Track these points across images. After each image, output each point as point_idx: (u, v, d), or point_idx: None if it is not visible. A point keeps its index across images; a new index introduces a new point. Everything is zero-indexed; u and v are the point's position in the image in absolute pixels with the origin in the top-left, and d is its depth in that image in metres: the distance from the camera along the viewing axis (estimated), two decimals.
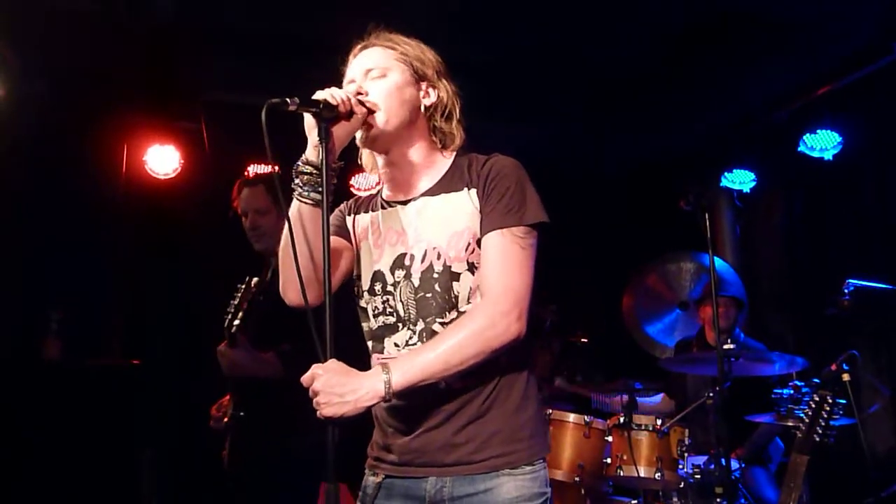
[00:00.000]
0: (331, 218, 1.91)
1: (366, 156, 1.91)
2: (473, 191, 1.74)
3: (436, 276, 1.71)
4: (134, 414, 4.52)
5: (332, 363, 1.56)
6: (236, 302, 2.79)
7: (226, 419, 2.96)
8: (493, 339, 1.61)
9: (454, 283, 1.70)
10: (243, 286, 2.81)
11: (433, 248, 1.73)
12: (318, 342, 1.54)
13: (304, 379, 1.56)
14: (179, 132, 4.78)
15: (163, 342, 4.89)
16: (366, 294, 1.81)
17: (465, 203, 1.74)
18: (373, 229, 1.84)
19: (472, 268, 1.70)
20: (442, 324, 1.70)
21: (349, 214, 1.93)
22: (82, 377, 4.28)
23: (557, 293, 5.69)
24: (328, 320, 1.53)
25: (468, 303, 1.70)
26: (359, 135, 1.77)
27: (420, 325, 1.72)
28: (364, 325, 1.84)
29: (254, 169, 4.99)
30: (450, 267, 1.70)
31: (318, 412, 1.54)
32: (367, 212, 1.89)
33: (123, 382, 4.46)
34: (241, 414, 2.90)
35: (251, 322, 2.82)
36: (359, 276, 1.84)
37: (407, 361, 1.61)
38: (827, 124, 4.50)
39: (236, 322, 2.76)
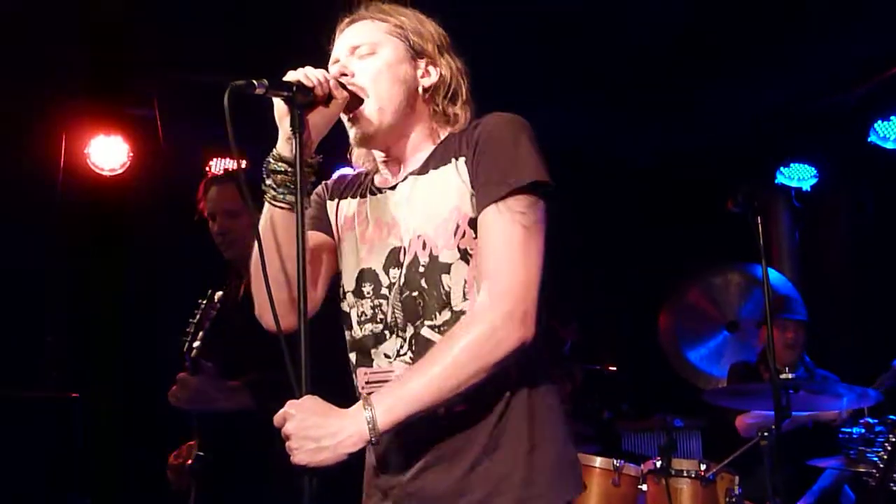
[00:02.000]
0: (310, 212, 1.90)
1: (356, 149, 1.90)
2: (462, 160, 1.71)
3: (421, 269, 1.69)
4: (72, 457, 4.50)
5: (308, 400, 1.53)
6: (195, 320, 2.79)
7: (189, 462, 2.95)
8: (495, 349, 1.57)
9: (444, 277, 1.67)
10: (204, 301, 2.81)
11: (417, 236, 1.71)
12: (293, 374, 1.52)
13: (276, 419, 1.54)
14: (128, 120, 4.78)
15: (108, 371, 4.88)
16: (350, 296, 1.80)
17: (452, 177, 1.71)
18: (359, 219, 1.83)
19: (465, 255, 1.67)
20: (432, 327, 1.67)
21: (330, 199, 1.91)
22: (11, 412, 4.26)
23: (579, 309, 5.68)
24: (304, 347, 1.52)
25: (464, 299, 1.66)
26: (352, 133, 1.76)
27: (409, 331, 1.70)
28: (347, 334, 1.82)
29: (218, 163, 5.00)
30: (437, 257, 1.68)
31: (291, 458, 1.52)
32: (353, 197, 1.88)
33: (60, 419, 4.45)
34: (204, 455, 2.88)
35: (218, 345, 2.82)
36: (341, 275, 1.83)
37: (391, 394, 1.58)
38: None
39: (196, 345, 2.76)
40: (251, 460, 2.76)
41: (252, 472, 2.78)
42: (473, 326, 1.59)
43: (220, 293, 2.82)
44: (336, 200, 1.90)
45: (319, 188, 1.94)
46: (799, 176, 5.19)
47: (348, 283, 1.80)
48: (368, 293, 1.76)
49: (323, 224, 1.88)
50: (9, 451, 4.11)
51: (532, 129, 1.71)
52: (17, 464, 4.13)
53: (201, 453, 2.90)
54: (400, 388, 1.58)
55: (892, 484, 3.01)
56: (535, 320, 1.61)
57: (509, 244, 1.62)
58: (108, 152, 4.69)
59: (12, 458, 4.12)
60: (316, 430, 1.51)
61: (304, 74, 1.65)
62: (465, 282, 1.67)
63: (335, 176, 1.98)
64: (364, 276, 1.77)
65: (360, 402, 1.56)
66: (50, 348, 4.75)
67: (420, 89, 1.80)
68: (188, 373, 2.78)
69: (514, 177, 1.63)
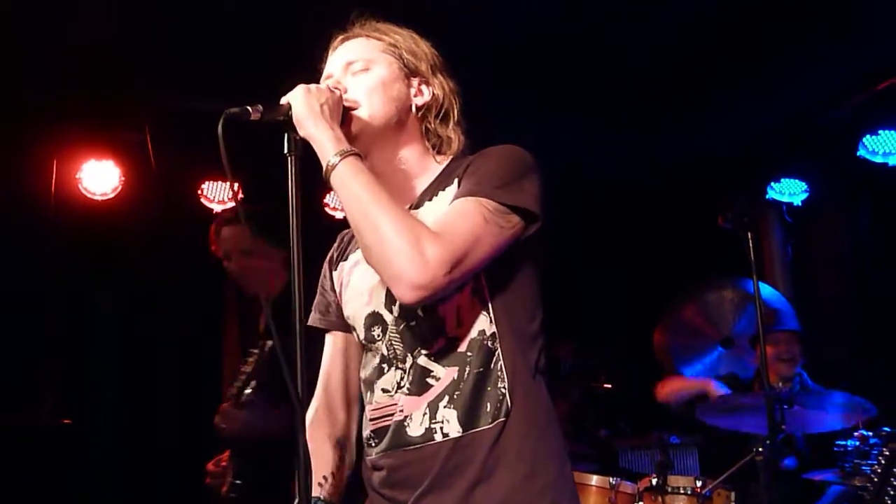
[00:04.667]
0: (319, 306, 1.97)
1: None
2: (456, 181, 1.74)
3: None
4: (66, 486, 4.51)
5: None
6: (249, 370, 2.90)
7: (224, 489, 3.04)
8: (396, 258, 1.55)
9: (439, 304, 1.69)
10: (257, 351, 2.91)
11: None
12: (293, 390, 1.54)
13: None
14: (120, 144, 4.82)
15: (103, 397, 4.89)
16: (366, 343, 1.83)
17: (447, 205, 1.72)
18: (359, 269, 1.85)
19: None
20: (429, 356, 1.70)
21: (334, 269, 1.95)
22: (4, 439, 4.27)
23: (576, 329, 5.71)
24: (299, 365, 1.55)
25: (458, 325, 1.69)
26: None
27: (409, 362, 1.72)
28: (367, 376, 1.85)
29: (210, 187, 5.03)
30: None
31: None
32: (353, 252, 1.90)
33: (53, 447, 4.46)
34: (238, 482, 3.00)
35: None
36: (354, 328, 1.86)
37: (364, 173, 1.62)
38: (890, 123, 4.56)
39: (247, 391, 2.88)
40: (285, 484, 2.83)
41: (286, 496, 2.85)
42: (418, 234, 1.57)
43: (269, 342, 2.90)
44: (339, 267, 1.93)
45: (325, 268, 1.99)
46: (790, 191, 5.24)
47: (360, 331, 1.83)
48: (378, 336, 1.78)
49: (335, 316, 1.93)
50: (2, 478, 4.12)
51: (535, 163, 1.73)
52: (11, 491, 4.14)
53: (237, 481, 3.01)
54: (369, 178, 1.62)
55: (887, 498, 3.03)
56: (436, 292, 1.58)
57: (461, 218, 1.62)
58: (99, 177, 4.71)
59: (6, 485, 4.13)
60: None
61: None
62: (459, 307, 1.69)
63: (337, 240, 2.02)
64: (371, 320, 1.79)
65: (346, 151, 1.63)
66: (44, 374, 4.76)
67: (413, 108, 1.83)
68: (233, 404, 2.88)
69: (503, 192, 1.64)
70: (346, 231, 1.95)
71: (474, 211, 1.63)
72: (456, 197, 1.68)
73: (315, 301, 1.99)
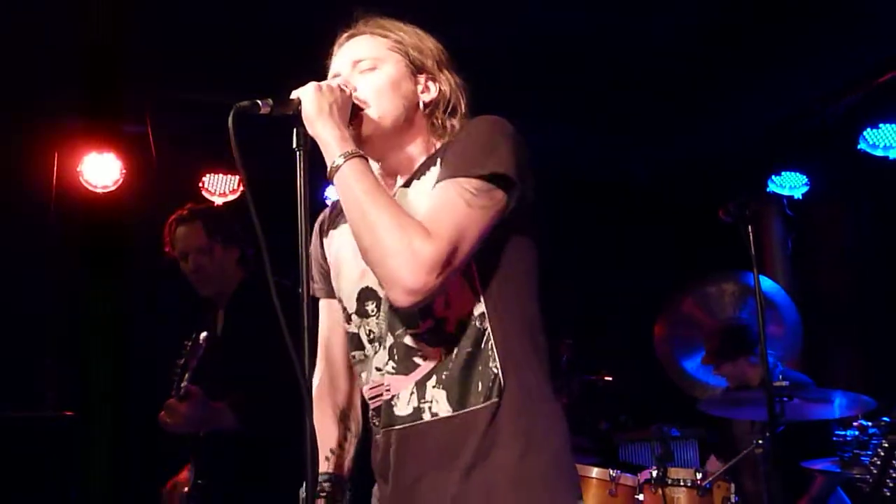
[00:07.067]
0: (315, 274, 1.97)
1: None
2: (439, 160, 1.76)
3: None
4: (68, 478, 4.53)
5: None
6: (182, 362, 2.91)
7: (186, 489, 3.05)
8: (393, 258, 1.58)
9: None
10: (190, 343, 2.92)
11: None
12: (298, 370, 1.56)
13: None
14: (121, 137, 4.83)
15: (104, 390, 4.90)
16: (354, 317, 1.83)
17: (432, 183, 1.72)
18: (352, 242, 1.83)
19: None
20: (414, 335, 1.70)
21: (325, 236, 1.96)
22: (7, 432, 4.29)
23: (575, 323, 5.74)
24: (305, 346, 1.57)
25: (446, 306, 1.69)
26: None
27: (389, 340, 1.74)
28: (357, 354, 1.85)
29: (211, 179, 5.05)
30: None
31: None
32: (342, 224, 1.90)
33: (55, 439, 4.47)
34: (200, 482, 3.03)
35: (204, 375, 2.94)
36: (341, 299, 1.87)
37: (369, 174, 1.66)
38: (890, 117, 4.59)
39: (183, 385, 2.88)
40: (247, 483, 2.89)
41: (249, 495, 2.89)
42: (414, 232, 1.59)
43: (204, 334, 2.92)
44: (330, 235, 1.94)
45: (315, 232, 1.99)
46: (790, 184, 5.27)
47: (349, 304, 1.83)
48: (373, 311, 1.78)
49: (330, 285, 1.93)
50: (5, 471, 4.14)
51: (514, 132, 1.73)
52: (14, 483, 4.16)
53: (199, 481, 3.03)
54: (371, 180, 1.65)
55: (885, 490, 3.06)
56: (429, 295, 1.60)
57: (445, 206, 1.63)
58: (100, 169, 4.73)
59: (8, 478, 4.15)
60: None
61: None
62: (447, 289, 1.67)
63: (328, 207, 2.02)
64: (365, 294, 1.80)
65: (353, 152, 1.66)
66: (46, 368, 4.78)
67: (420, 104, 1.85)
68: (175, 398, 2.88)
69: (476, 165, 1.65)
70: (336, 199, 1.93)
71: (456, 198, 1.63)
72: (438, 178, 1.69)
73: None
